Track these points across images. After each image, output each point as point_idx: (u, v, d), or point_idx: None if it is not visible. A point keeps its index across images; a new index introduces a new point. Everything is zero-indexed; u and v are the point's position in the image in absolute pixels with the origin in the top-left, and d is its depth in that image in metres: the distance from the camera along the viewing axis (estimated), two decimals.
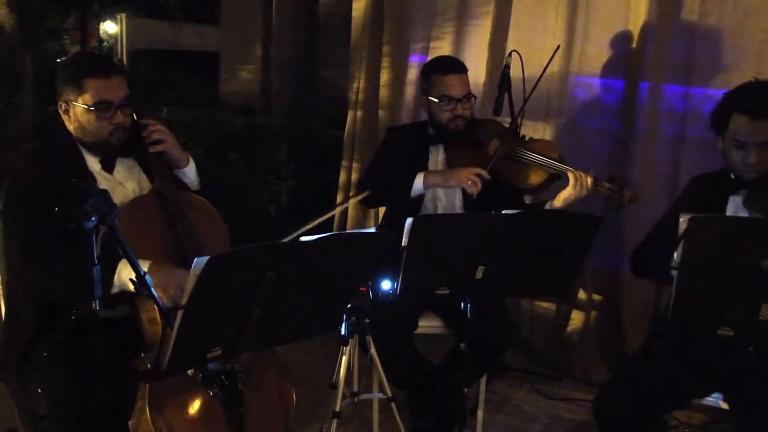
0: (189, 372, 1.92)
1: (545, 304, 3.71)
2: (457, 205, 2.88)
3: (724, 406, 2.34)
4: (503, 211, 2.07)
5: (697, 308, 2.01)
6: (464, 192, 2.79)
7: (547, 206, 2.75)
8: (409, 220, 2.01)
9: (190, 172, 2.36)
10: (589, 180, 2.60)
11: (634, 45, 3.33)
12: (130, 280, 1.84)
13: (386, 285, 2.37)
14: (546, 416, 3.24)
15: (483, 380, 2.87)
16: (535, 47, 3.51)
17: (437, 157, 2.93)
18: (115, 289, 2.01)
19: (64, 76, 2.16)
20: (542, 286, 2.30)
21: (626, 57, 3.37)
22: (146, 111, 2.30)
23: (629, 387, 2.25)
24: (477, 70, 3.66)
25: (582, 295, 3.58)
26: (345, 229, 4.07)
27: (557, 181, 2.74)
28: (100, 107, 2.12)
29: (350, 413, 2.78)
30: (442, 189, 2.90)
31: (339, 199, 4.23)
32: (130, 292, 2.01)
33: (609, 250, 3.41)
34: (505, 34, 3.63)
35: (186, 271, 1.98)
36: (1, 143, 6.24)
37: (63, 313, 2.07)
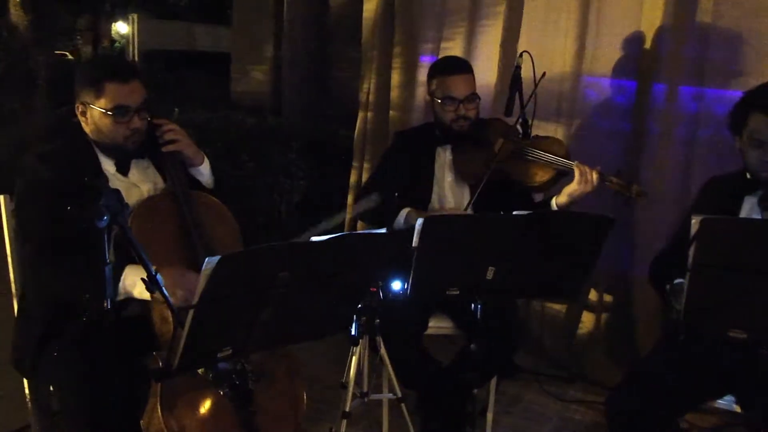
0: (200, 371, 1.93)
1: (556, 305, 3.70)
2: (465, 205, 2.88)
3: (737, 408, 2.32)
4: (514, 212, 2.06)
5: (709, 310, 2.00)
6: (472, 191, 2.79)
7: (553, 201, 2.73)
8: (420, 221, 2.01)
9: (204, 171, 2.37)
10: (595, 175, 2.58)
11: (646, 45, 3.32)
12: (142, 279, 1.85)
13: (397, 285, 2.36)
14: (556, 418, 3.23)
15: (493, 381, 2.86)
16: (547, 48, 3.50)
17: (444, 158, 2.93)
18: (120, 297, 2.02)
19: (82, 79, 2.17)
20: (553, 287, 2.30)
21: (638, 58, 3.35)
22: (158, 111, 2.31)
23: (641, 389, 2.24)
24: (488, 71, 3.66)
25: (593, 296, 3.57)
26: (356, 230, 4.08)
27: (565, 177, 2.73)
28: (118, 112, 2.13)
29: (360, 413, 2.78)
30: (449, 188, 2.90)
31: (350, 200, 4.23)
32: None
33: (621, 251, 3.39)
34: (516, 34, 3.62)
35: (194, 274, 1.99)
36: (15, 142, 6.30)
37: (74, 313, 2.08)
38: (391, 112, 4.03)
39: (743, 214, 2.32)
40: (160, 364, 1.92)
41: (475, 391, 2.60)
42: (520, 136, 2.88)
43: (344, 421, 2.40)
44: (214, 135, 4.68)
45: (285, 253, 1.69)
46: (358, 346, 2.39)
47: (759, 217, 2.26)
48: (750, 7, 3.09)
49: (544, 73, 2.84)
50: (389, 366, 2.48)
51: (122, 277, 2.01)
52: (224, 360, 1.77)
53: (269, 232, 4.64)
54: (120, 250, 1.77)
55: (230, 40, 7.76)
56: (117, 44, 14.93)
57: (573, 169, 2.63)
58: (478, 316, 2.21)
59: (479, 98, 2.86)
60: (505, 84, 3.24)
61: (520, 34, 3.62)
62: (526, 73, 2.94)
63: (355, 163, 4.22)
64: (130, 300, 2.07)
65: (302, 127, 5.24)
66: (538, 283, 2.23)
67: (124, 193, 1.75)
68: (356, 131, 4.20)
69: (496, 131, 2.85)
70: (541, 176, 2.73)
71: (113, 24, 15.24)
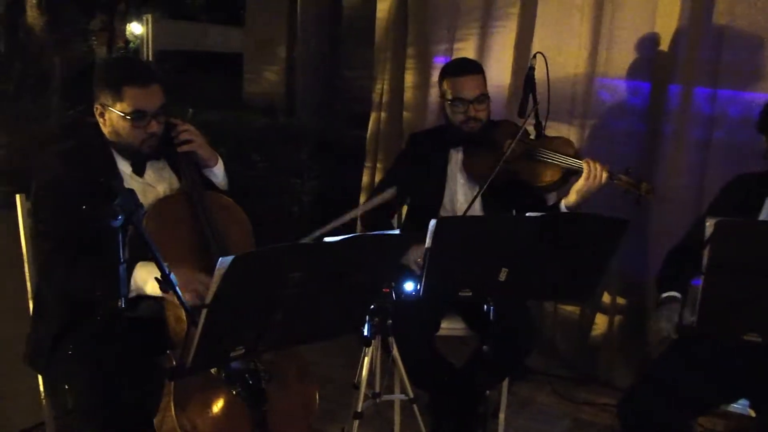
0: (213, 371, 1.93)
1: (569, 307, 3.69)
2: (476, 206, 2.87)
3: (751, 413, 2.31)
4: (527, 214, 2.06)
5: (724, 313, 1.99)
6: (483, 193, 2.79)
7: (562, 202, 2.72)
8: (433, 222, 2.01)
9: (218, 172, 2.38)
10: (603, 171, 2.56)
11: (661, 47, 3.30)
12: (156, 279, 1.86)
13: (409, 286, 2.37)
14: (569, 420, 3.22)
15: (505, 383, 2.86)
16: (561, 49, 3.49)
17: (456, 160, 2.93)
18: (131, 293, 2.02)
19: (101, 80, 2.18)
20: (566, 289, 2.28)
21: (653, 59, 3.34)
22: (172, 111, 2.32)
23: (654, 392, 2.23)
24: (502, 72, 3.65)
25: (606, 298, 3.55)
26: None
27: (574, 177, 2.71)
28: (136, 116, 2.14)
29: (372, 414, 2.78)
30: (460, 190, 2.90)
31: (362, 200, 4.23)
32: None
33: (634, 253, 3.37)
34: (530, 35, 3.61)
35: (204, 275, 1.99)
36: (31, 142, 6.35)
37: (89, 311, 2.09)
38: (404, 113, 4.03)
39: (763, 215, 2.30)
40: (174, 363, 1.93)
41: (487, 392, 2.59)
42: (532, 137, 2.88)
43: (356, 422, 2.41)
44: (227, 135, 4.70)
45: (298, 254, 1.70)
46: (371, 347, 2.40)
47: None
48: (766, 8, 3.07)
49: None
50: (401, 367, 2.48)
51: (133, 274, 2.01)
52: (237, 360, 1.78)
53: (281, 233, 4.66)
54: (132, 248, 1.77)
55: (243, 41, 7.79)
56: (131, 45, 15.02)
57: (581, 168, 2.62)
58: (491, 318, 2.21)
59: (489, 99, 2.85)
60: (519, 85, 3.23)
61: (534, 35, 3.61)
62: (539, 74, 2.93)
63: (367, 164, 4.23)
64: (143, 299, 2.08)
65: (314, 128, 5.25)
66: (551, 284, 2.22)
67: (139, 194, 1.76)
68: (369, 132, 4.21)
69: (506, 133, 2.85)
70: (550, 176, 2.72)
71: (128, 25, 15.33)
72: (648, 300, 3.39)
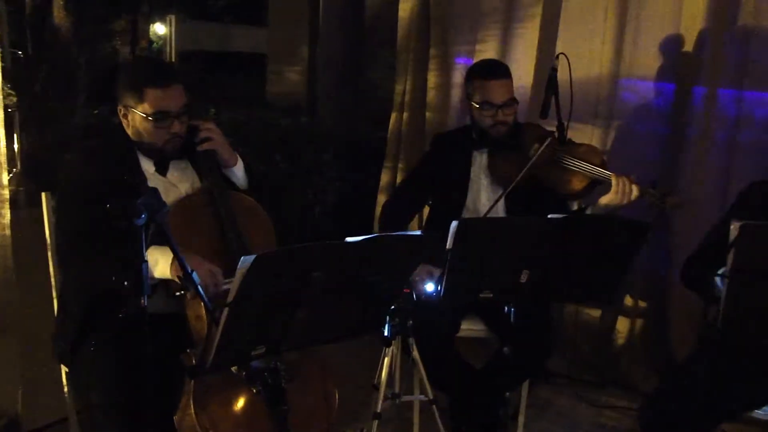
0: (233, 369, 1.94)
1: (590, 310, 3.66)
2: (500, 209, 2.86)
3: None
4: (549, 216, 2.05)
5: (748, 317, 1.97)
6: (507, 197, 2.78)
7: (588, 210, 2.71)
8: (455, 223, 2.00)
9: (238, 172, 2.39)
10: (634, 188, 2.54)
11: (685, 48, 3.27)
12: (177, 277, 1.88)
13: (430, 287, 2.36)
14: (588, 423, 3.20)
15: (525, 385, 2.84)
16: (584, 50, 3.47)
17: (481, 161, 2.92)
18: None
19: (124, 82, 2.20)
20: (587, 291, 2.27)
21: (678, 60, 3.31)
22: (194, 111, 2.33)
23: (677, 397, 2.21)
24: (524, 73, 3.63)
25: (629, 301, 3.53)
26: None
27: (599, 186, 2.70)
28: (159, 117, 2.16)
29: (391, 414, 2.78)
30: (484, 191, 2.90)
31: (380, 200, 4.23)
32: (173, 288, 2.03)
33: (658, 256, 3.35)
34: (553, 36, 3.59)
35: (210, 264, 2.01)
36: (57, 142, 6.43)
37: (111, 309, 2.11)
38: (427, 113, 4.02)
39: None
40: (194, 361, 1.94)
41: (507, 394, 2.58)
42: (556, 139, 2.85)
43: (375, 422, 2.41)
44: (249, 135, 4.72)
45: (319, 254, 1.70)
46: (391, 347, 2.40)
47: None
48: None
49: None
50: (421, 368, 2.47)
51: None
52: (258, 359, 1.79)
53: (303, 233, 4.67)
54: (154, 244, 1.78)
55: (266, 42, 7.83)
56: (155, 45, 15.16)
57: (608, 179, 2.60)
58: (512, 320, 2.20)
59: (517, 103, 2.84)
60: (541, 86, 3.21)
61: (557, 36, 3.59)
62: (562, 75, 2.92)
63: (387, 164, 4.22)
64: (164, 296, 2.10)
65: (337, 128, 5.26)
66: (572, 287, 2.21)
67: (162, 193, 1.77)
68: (389, 132, 4.20)
69: (532, 136, 2.83)
70: (576, 185, 2.71)
71: (151, 25, 15.48)
72: (670, 303, 3.36)
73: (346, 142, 5.06)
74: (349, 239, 1.72)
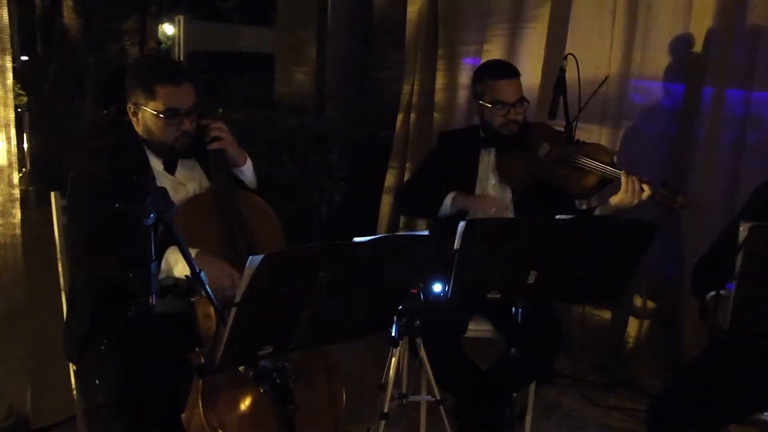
0: (241, 369, 1.95)
1: (598, 310, 3.66)
2: (508, 209, 2.86)
3: None
4: (557, 216, 2.05)
5: (757, 319, 1.96)
6: (513, 194, 2.78)
7: (598, 211, 2.72)
8: (462, 224, 2.01)
9: (247, 171, 2.40)
10: (645, 187, 2.54)
11: (695, 48, 3.26)
12: (186, 276, 1.88)
13: (437, 287, 2.36)
14: (595, 425, 3.19)
15: (532, 386, 2.84)
16: (593, 51, 3.46)
17: (488, 160, 2.92)
18: (161, 275, 2.04)
19: (134, 80, 2.21)
20: (595, 292, 2.27)
21: (687, 60, 3.30)
22: (202, 111, 2.34)
23: (684, 398, 2.20)
24: (531, 73, 3.63)
25: (638, 302, 3.52)
26: (396, 231, 4.08)
27: (608, 185, 2.70)
28: (169, 114, 2.17)
29: (398, 414, 2.78)
30: (492, 190, 2.91)
31: (385, 201, 4.23)
32: (182, 287, 2.04)
33: (668, 257, 3.34)
34: (561, 36, 3.58)
35: (231, 268, 2.01)
36: (66, 141, 6.46)
37: (120, 307, 2.12)
38: (434, 114, 4.02)
39: None
40: (202, 360, 1.95)
41: (514, 395, 2.57)
42: (566, 139, 2.86)
43: (382, 422, 2.41)
44: (257, 135, 4.73)
45: (327, 254, 1.70)
46: (398, 348, 2.40)
47: None
48: None
49: (606, 78, 2.81)
50: (428, 368, 2.48)
51: (165, 255, 2.03)
52: (265, 358, 1.79)
53: (310, 232, 4.68)
54: (161, 245, 1.79)
55: (274, 42, 7.83)
56: (163, 45, 15.19)
57: (618, 178, 2.60)
58: (519, 321, 2.20)
59: (528, 102, 2.85)
60: (549, 86, 3.21)
61: (565, 36, 3.58)
62: (570, 75, 2.92)
63: (393, 164, 4.22)
64: (173, 295, 2.10)
65: (344, 128, 5.26)
66: (580, 288, 2.20)
67: (170, 191, 1.78)
68: (396, 132, 4.20)
69: (540, 135, 2.84)
70: (585, 183, 2.71)
71: (160, 25, 15.51)
72: (680, 303, 3.35)
73: (354, 142, 5.06)
74: (356, 239, 1.73)
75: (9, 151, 2.62)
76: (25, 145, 6.79)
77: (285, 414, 1.90)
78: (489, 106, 2.80)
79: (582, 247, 2.08)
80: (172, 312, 2.13)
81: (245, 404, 2.01)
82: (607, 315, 3.64)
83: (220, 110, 4.93)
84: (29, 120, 6.89)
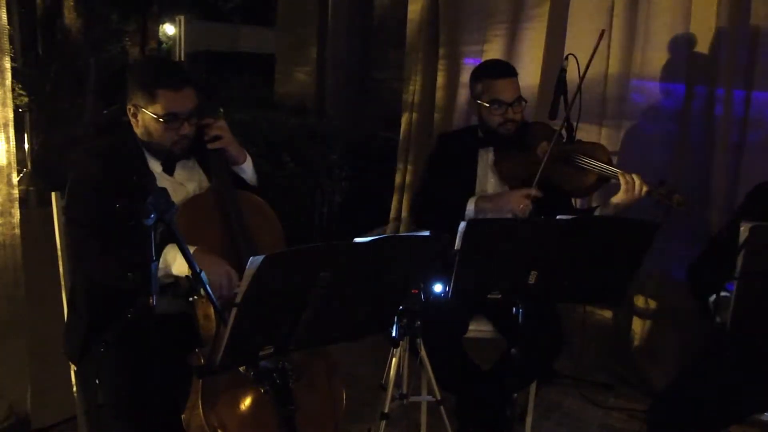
0: (241, 369, 1.95)
1: (599, 310, 3.65)
2: (507, 207, 2.87)
3: None
4: (558, 217, 2.05)
5: (758, 319, 1.96)
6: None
7: (597, 212, 2.72)
8: (463, 224, 2.00)
9: (248, 169, 2.40)
10: (643, 186, 2.55)
11: (695, 48, 3.26)
12: (186, 277, 1.88)
13: (438, 288, 2.36)
14: (596, 425, 3.19)
15: (533, 386, 2.84)
16: (591, 50, 3.45)
17: (486, 160, 2.93)
18: (159, 272, 2.04)
19: (135, 82, 2.20)
20: (595, 292, 2.27)
21: (688, 61, 3.30)
22: (203, 111, 2.34)
23: (685, 399, 2.20)
24: (531, 73, 3.63)
25: (641, 302, 3.52)
26: (398, 232, 4.08)
27: (606, 184, 2.71)
28: (169, 119, 2.16)
29: (399, 415, 2.78)
30: (491, 189, 2.91)
31: (394, 202, 4.22)
32: (182, 288, 2.04)
33: (669, 256, 3.34)
34: (561, 36, 3.58)
35: (228, 265, 2.01)
36: (67, 141, 6.46)
37: (118, 310, 2.12)
38: (435, 114, 4.01)
39: None
40: (202, 360, 1.95)
41: (515, 395, 2.57)
42: (565, 140, 2.86)
43: (383, 422, 2.41)
44: (258, 135, 4.74)
45: (328, 254, 1.70)
46: (399, 348, 2.40)
47: None
48: None
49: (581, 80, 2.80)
50: (429, 368, 2.47)
51: (163, 253, 2.03)
52: (266, 358, 1.79)
53: (311, 233, 4.68)
54: (160, 245, 1.79)
55: (275, 42, 7.83)
56: (164, 46, 15.20)
57: (616, 176, 2.60)
58: (520, 321, 2.20)
59: (526, 101, 2.85)
60: (549, 86, 3.21)
61: (565, 35, 3.58)
62: (571, 75, 2.91)
63: (399, 165, 4.21)
64: (173, 295, 2.10)
65: (344, 129, 5.27)
66: (580, 288, 2.20)
67: (170, 192, 1.78)
68: (401, 133, 4.18)
69: (538, 134, 2.84)
70: (583, 182, 2.71)
71: (160, 26, 15.51)
72: (681, 304, 3.34)
73: (355, 142, 5.06)
74: (357, 240, 1.72)
75: (8, 151, 2.62)
76: (26, 146, 6.79)
77: (285, 414, 1.90)
78: (487, 105, 2.81)
79: (582, 248, 2.08)
80: (172, 312, 2.13)
81: (245, 404, 2.01)
82: (608, 315, 3.64)
83: (221, 110, 4.94)
84: (30, 120, 6.89)
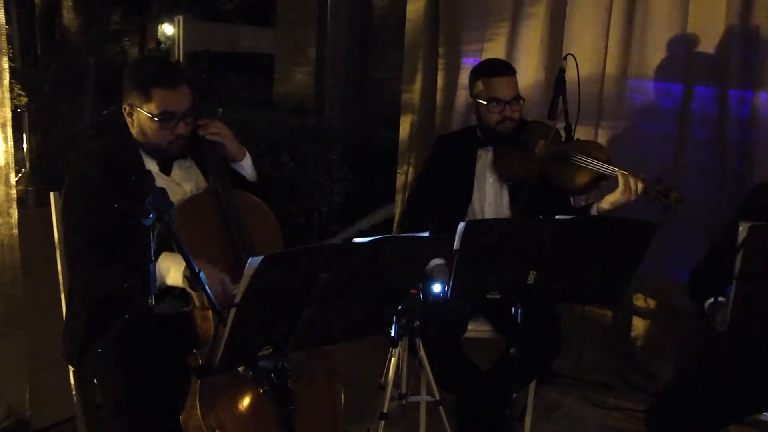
0: (239, 369, 1.95)
1: (599, 310, 3.65)
2: (504, 205, 2.87)
3: None
4: (556, 217, 2.05)
5: (757, 319, 1.96)
6: (511, 191, 2.78)
7: (594, 208, 2.72)
8: (462, 225, 2.00)
9: (246, 166, 2.40)
10: (640, 185, 2.55)
11: (694, 48, 3.26)
12: (185, 276, 1.88)
13: (437, 288, 2.36)
14: (595, 425, 3.19)
15: (532, 386, 2.84)
16: (591, 50, 3.46)
17: (486, 159, 2.93)
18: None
19: (131, 81, 2.20)
20: (594, 292, 2.27)
21: (686, 60, 3.30)
22: (202, 112, 2.34)
23: (684, 399, 2.20)
24: (530, 72, 3.63)
25: (640, 302, 3.52)
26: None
27: (603, 182, 2.71)
28: (164, 118, 2.16)
29: (398, 415, 2.78)
30: (490, 189, 2.91)
31: (398, 200, 4.21)
32: (180, 289, 2.04)
33: (669, 256, 3.34)
34: (559, 36, 3.58)
35: (228, 280, 2.01)
36: (65, 141, 6.46)
37: (116, 310, 2.11)
38: (436, 115, 4.01)
39: None
40: (200, 361, 1.94)
41: (514, 395, 2.57)
42: (563, 139, 2.86)
43: (382, 422, 2.41)
44: (257, 135, 4.74)
45: (327, 255, 1.70)
46: (398, 348, 2.39)
47: None
48: None
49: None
50: (428, 368, 2.47)
51: (157, 263, 2.01)
52: (264, 359, 1.79)
53: (310, 233, 4.68)
54: (158, 246, 1.79)
55: (274, 42, 7.84)
56: (163, 46, 15.21)
57: (614, 175, 2.61)
58: (519, 321, 2.20)
59: (523, 100, 2.85)
60: (547, 85, 3.21)
61: (564, 35, 3.58)
62: (570, 75, 2.92)
63: (401, 168, 4.17)
64: (172, 296, 2.10)
65: (344, 129, 5.27)
66: (579, 287, 2.20)
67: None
68: (402, 135, 4.17)
69: (537, 133, 2.84)
70: (581, 180, 2.72)
71: (159, 26, 15.52)
72: (681, 304, 3.34)
73: (354, 142, 5.06)
74: (356, 240, 1.72)
75: (6, 151, 2.62)
76: (25, 146, 6.79)
77: (284, 414, 1.90)
78: (485, 103, 2.81)
79: (581, 247, 2.08)
80: (170, 313, 2.13)
81: (244, 404, 2.01)
82: (607, 315, 3.64)
83: (220, 110, 4.94)
84: (28, 120, 6.88)
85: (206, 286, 1.72)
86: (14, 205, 2.68)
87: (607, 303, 3.42)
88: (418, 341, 2.40)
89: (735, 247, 1.87)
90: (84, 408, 2.33)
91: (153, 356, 1.96)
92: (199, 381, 1.94)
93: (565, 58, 2.95)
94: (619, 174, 2.59)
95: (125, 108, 2.22)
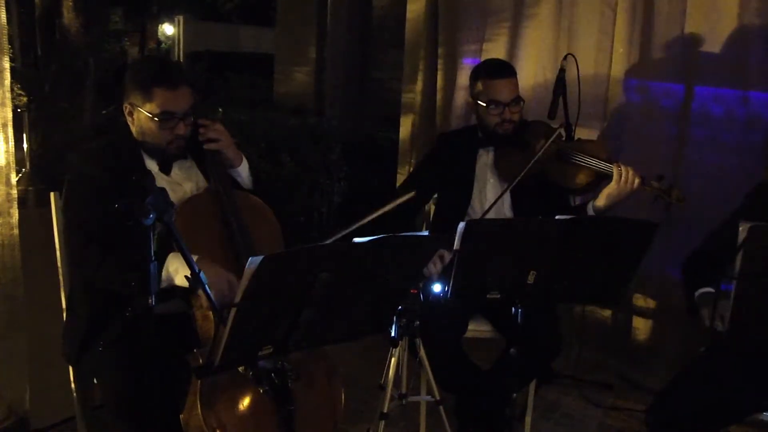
0: (240, 369, 1.95)
1: (599, 310, 3.65)
2: (505, 205, 2.87)
3: None
4: (556, 217, 2.05)
5: (757, 320, 1.96)
6: (512, 193, 2.77)
7: (590, 206, 2.71)
8: (462, 224, 2.00)
9: (242, 172, 2.39)
10: (635, 177, 2.55)
11: (694, 48, 3.26)
12: (185, 277, 1.88)
13: (437, 288, 2.36)
14: (595, 425, 3.19)
15: (532, 386, 2.84)
16: (591, 50, 3.46)
17: (486, 159, 2.92)
18: (163, 284, 2.03)
19: (132, 80, 2.20)
20: (594, 292, 2.27)
21: (686, 60, 3.30)
22: (202, 111, 2.34)
23: (684, 399, 2.20)
24: (531, 73, 3.63)
25: (640, 301, 3.52)
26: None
27: (605, 181, 2.70)
28: (164, 117, 2.16)
29: (398, 415, 2.78)
30: (491, 189, 2.90)
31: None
32: (181, 288, 2.04)
33: (669, 256, 3.33)
34: (560, 36, 3.58)
35: (228, 273, 2.01)
36: (66, 141, 6.46)
37: (117, 310, 2.12)
38: (437, 115, 4.00)
39: None
40: (201, 361, 1.94)
41: (514, 395, 2.58)
42: (564, 139, 2.86)
43: (382, 423, 2.41)
44: (257, 135, 4.74)
45: (327, 255, 1.70)
46: (398, 348, 2.39)
47: None
48: None
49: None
50: (428, 368, 2.47)
51: (166, 264, 2.02)
52: (265, 358, 1.79)
53: (310, 233, 4.68)
54: (158, 245, 1.79)
55: (274, 42, 7.84)
56: (163, 46, 15.21)
57: (612, 171, 2.60)
58: (519, 320, 2.20)
59: (523, 101, 2.85)
60: (548, 85, 3.21)
61: (565, 35, 3.58)
62: (570, 75, 2.92)
63: (402, 168, 4.17)
64: (173, 295, 2.10)
65: (344, 128, 5.27)
66: (579, 287, 2.20)
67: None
68: (403, 135, 4.16)
69: (538, 133, 2.84)
70: (581, 179, 2.71)
71: (160, 26, 15.52)
72: (681, 304, 3.34)
73: (354, 142, 5.06)
74: (356, 240, 1.72)
75: (7, 151, 2.62)
76: (25, 146, 6.79)
77: (284, 414, 1.90)
78: (484, 105, 2.80)
79: (582, 247, 2.08)
80: (170, 313, 2.13)
81: (244, 404, 2.00)
82: (607, 315, 3.63)
83: (220, 110, 4.94)
84: (29, 120, 6.88)
85: (206, 285, 1.72)
86: (15, 205, 2.68)
87: (608, 303, 3.42)
88: (418, 341, 2.40)
89: (733, 244, 1.87)
90: (84, 408, 2.33)
91: (153, 356, 1.97)
92: (199, 381, 1.94)
93: (565, 57, 2.95)
94: (615, 167, 2.58)
95: (126, 107, 2.22)
